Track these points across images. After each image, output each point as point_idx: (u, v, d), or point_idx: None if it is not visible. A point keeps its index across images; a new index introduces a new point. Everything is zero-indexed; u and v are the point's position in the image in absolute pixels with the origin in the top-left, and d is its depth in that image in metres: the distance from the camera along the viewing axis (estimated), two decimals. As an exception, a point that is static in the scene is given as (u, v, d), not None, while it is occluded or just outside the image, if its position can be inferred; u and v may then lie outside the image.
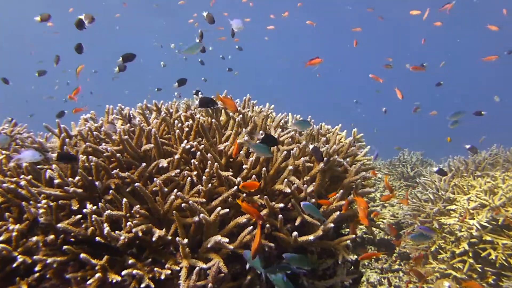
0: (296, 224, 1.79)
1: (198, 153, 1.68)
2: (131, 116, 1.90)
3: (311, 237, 1.73)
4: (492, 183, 4.07)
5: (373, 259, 4.74)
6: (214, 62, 7.47)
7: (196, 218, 1.50)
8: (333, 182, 2.24)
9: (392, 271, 4.57)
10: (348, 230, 2.77)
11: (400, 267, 4.59)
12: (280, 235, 1.74)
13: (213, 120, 1.85)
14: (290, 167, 1.81)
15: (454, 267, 3.92)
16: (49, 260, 1.27)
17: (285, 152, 1.84)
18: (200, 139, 1.86)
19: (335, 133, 2.43)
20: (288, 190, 1.76)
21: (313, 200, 1.81)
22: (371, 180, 2.37)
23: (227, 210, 1.57)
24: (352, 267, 2.41)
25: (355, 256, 1.98)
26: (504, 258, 3.55)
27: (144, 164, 1.57)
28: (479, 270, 3.68)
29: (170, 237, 1.44)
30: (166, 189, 1.53)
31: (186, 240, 1.42)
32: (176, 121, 1.85)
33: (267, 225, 1.71)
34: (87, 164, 1.55)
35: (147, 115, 2.06)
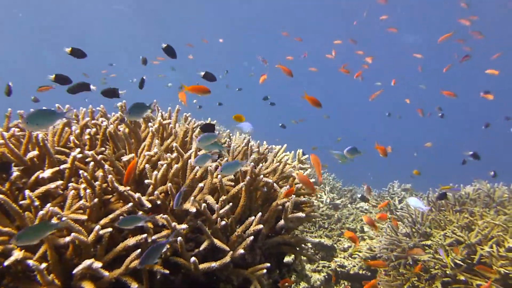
0: (201, 248, 1.59)
1: (92, 163, 1.51)
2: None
3: (214, 264, 1.53)
4: (470, 219, 3.83)
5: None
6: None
7: (67, 239, 1.30)
8: (269, 205, 2.04)
9: (364, 309, 4.26)
10: (293, 257, 2.53)
11: (373, 305, 4.28)
12: (180, 261, 1.54)
13: (121, 129, 1.69)
14: (201, 184, 1.63)
15: (426, 308, 3.64)
16: None
17: (197, 168, 1.66)
18: (104, 149, 1.69)
19: (276, 152, 2.25)
20: (193, 210, 1.57)
21: (223, 222, 1.61)
22: (308, 206, 2.16)
23: (110, 229, 1.37)
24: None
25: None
26: (477, 300, 3.28)
27: (15, 174, 1.40)
28: (452, 312, 3.41)
29: (31, 262, 1.23)
30: (37, 203, 1.34)
31: (44, 265, 1.21)
32: (73, 128, 1.68)
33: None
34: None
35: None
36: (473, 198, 4.47)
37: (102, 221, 1.44)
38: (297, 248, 2.02)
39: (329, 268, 4.67)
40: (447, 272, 3.56)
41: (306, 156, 2.33)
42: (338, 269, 4.61)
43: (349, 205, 6.55)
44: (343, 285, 4.57)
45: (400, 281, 3.99)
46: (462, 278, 3.40)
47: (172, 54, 2.21)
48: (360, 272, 4.57)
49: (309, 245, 4.94)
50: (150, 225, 1.60)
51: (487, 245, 3.47)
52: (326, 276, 4.56)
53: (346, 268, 4.61)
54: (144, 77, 2.33)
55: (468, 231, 3.71)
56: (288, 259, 3.65)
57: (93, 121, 1.77)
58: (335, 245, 5.07)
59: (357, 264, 4.66)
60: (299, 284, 4.40)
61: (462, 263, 3.47)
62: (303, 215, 1.87)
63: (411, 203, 1.73)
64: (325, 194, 6.55)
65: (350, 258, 4.84)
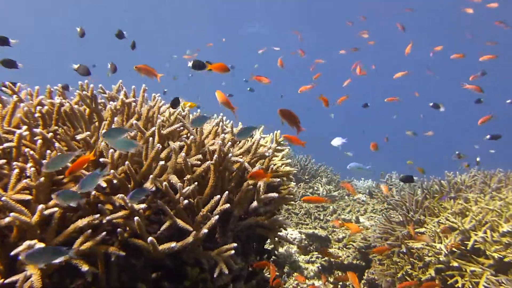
0: (162, 229, 1.49)
1: (39, 141, 1.42)
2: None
3: (174, 244, 1.43)
4: (464, 205, 3.72)
5: (339, 286, 4.35)
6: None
7: (7, 219, 1.21)
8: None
9: (358, 299, 4.16)
10: (272, 245, 2.44)
11: (367, 295, 4.19)
12: (138, 242, 1.44)
13: (75, 106, 1.59)
14: (162, 162, 1.53)
15: (420, 296, 3.53)
16: None
17: (158, 145, 1.56)
18: (57, 128, 1.59)
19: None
20: (153, 188, 1.48)
21: (186, 201, 1.52)
22: (286, 187, 2.06)
23: (55, 209, 1.28)
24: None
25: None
26: (471, 286, 3.17)
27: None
28: (445, 299, 3.30)
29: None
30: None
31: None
32: (21, 104, 1.59)
33: (118, 230, 1.41)
34: None
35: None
36: (469, 184, 4.37)
37: (51, 202, 1.35)
38: (272, 231, 1.92)
39: (323, 259, 4.57)
40: (441, 259, 3.46)
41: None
42: (332, 259, 4.52)
43: (346, 197, 6.47)
44: (337, 274, 4.48)
45: (394, 270, 3.89)
46: (456, 264, 3.29)
47: (200, 68, 2.31)
48: (354, 262, 4.48)
49: (303, 236, 4.85)
50: (109, 206, 1.51)
51: (481, 230, 3.36)
52: (320, 267, 4.47)
53: (340, 259, 4.51)
54: (113, 63, 2.34)
55: (462, 218, 3.60)
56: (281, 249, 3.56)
57: (48, 100, 1.68)
58: (330, 236, 4.98)
59: (351, 254, 4.57)
60: (292, 276, 4.31)
61: (455, 250, 3.37)
62: (276, 195, 1.78)
63: (334, 143, 1.66)
64: (321, 186, 6.46)
65: (344, 248, 4.74)
